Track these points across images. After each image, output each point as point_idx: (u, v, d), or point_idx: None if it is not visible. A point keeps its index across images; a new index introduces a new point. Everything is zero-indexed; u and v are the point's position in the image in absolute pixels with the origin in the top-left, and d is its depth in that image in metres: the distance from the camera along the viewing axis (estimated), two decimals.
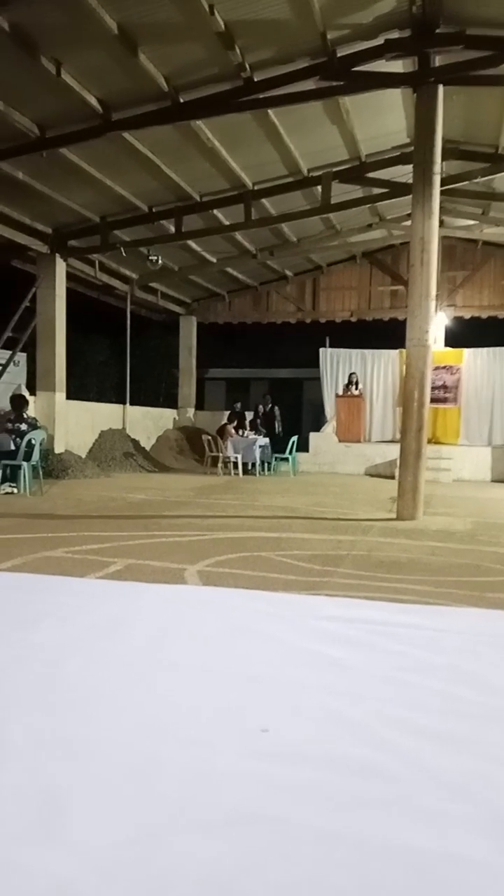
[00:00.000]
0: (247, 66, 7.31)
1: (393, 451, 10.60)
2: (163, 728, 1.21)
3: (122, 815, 0.97)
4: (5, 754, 1.10)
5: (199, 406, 17.36)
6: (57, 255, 11.29)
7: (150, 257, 11.94)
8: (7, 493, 8.51)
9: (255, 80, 7.52)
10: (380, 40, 7.04)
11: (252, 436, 13.32)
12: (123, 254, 11.46)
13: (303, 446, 13.96)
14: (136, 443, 14.00)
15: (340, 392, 14.65)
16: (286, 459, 13.09)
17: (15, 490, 8.58)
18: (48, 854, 0.83)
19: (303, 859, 1.08)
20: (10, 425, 9.03)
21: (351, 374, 14.62)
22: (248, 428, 13.80)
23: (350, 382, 14.56)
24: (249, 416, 14.72)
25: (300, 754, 1.51)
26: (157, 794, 1.00)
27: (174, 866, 0.94)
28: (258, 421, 14.38)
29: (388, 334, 14.15)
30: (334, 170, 10.06)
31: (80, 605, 1.87)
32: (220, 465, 12.77)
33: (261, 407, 14.84)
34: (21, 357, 11.77)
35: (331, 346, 15.18)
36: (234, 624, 2.27)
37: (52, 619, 1.77)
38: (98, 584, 2.18)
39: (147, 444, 14.74)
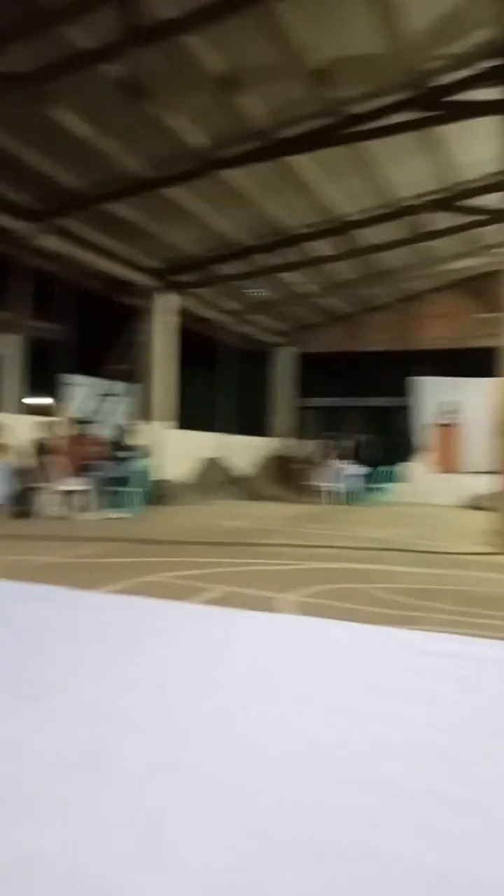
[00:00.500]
0: (341, 101, 7.44)
1: (490, 483, 10.26)
2: (263, 755, 1.24)
3: (224, 841, 1.01)
4: (111, 774, 1.17)
5: (295, 435, 17.44)
6: (164, 289, 11.75)
7: (250, 290, 12.21)
8: (114, 518, 8.84)
9: (350, 114, 7.64)
10: (475, 69, 7.01)
11: (346, 465, 13.26)
12: (225, 288, 11.79)
13: (396, 476, 13.74)
14: (234, 471, 14.22)
15: (435, 421, 14.35)
16: (380, 489, 12.94)
17: (122, 515, 8.91)
18: (151, 876, 0.87)
19: (416, 891, 1.09)
20: (119, 453, 9.40)
21: (446, 404, 14.31)
22: (341, 457, 13.73)
23: (445, 411, 14.23)
24: (344, 445, 14.65)
25: (400, 788, 1.51)
26: (258, 822, 1.04)
27: (280, 894, 0.96)
28: (352, 450, 14.29)
29: (485, 363, 13.72)
30: (429, 199, 10.02)
31: (180, 629, 1.95)
32: (314, 494, 12.76)
33: (355, 436, 14.75)
34: (130, 389, 12.27)
35: (425, 374, 14.93)
36: (331, 655, 2.28)
37: (155, 642, 1.85)
38: (198, 610, 2.25)
39: (245, 472, 14.93)
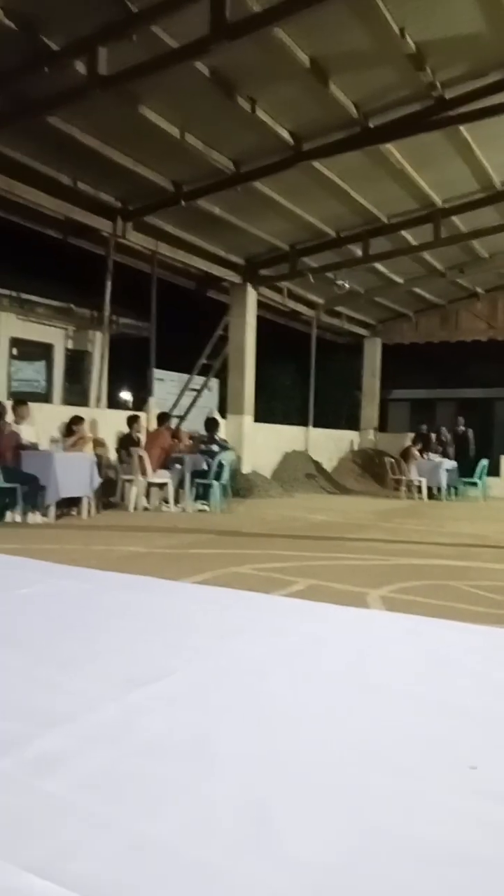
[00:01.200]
0: (437, 84, 7.20)
1: None
2: (369, 753, 1.20)
3: (333, 837, 0.97)
4: (218, 764, 1.15)
5: (382, 428, 17.15)
6: (248, 284, 11.77)
7: (337, 282, 12.07)
8: (199, 511, 8.94)
9: (447, 97, 7.38)
10: None
11: (438, 459, 12.91)
12: (311, 280, 11.69)
13: (493, 470, 13.27)
14: (318, 464, 14.12)
15: None
16: (475, 484, 12.53)
17: (206, 508, 9.00)
18: (261, 866, 0.85)
19: None
20: (203, 446, 9.52)
21: None
22: (433, 450, 13.38)
23: None
24: (436, 437, 14.27)
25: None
26: (367, 820, 0.99)
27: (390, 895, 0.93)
28: (445, 443, 13.90)
29: None
30: None
31: (274, 621, 1.92)
32: (403, 488, 12.50)
33: (447, 428, 14.34)
34: (213, 382, 12.39)
35: None
36: (430, 653, 2.19)
37: (251, 632, 1.83)
38: (291, 602, 2.22)
39: (329, 465, 14.80)
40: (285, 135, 7.91)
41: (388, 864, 0.96)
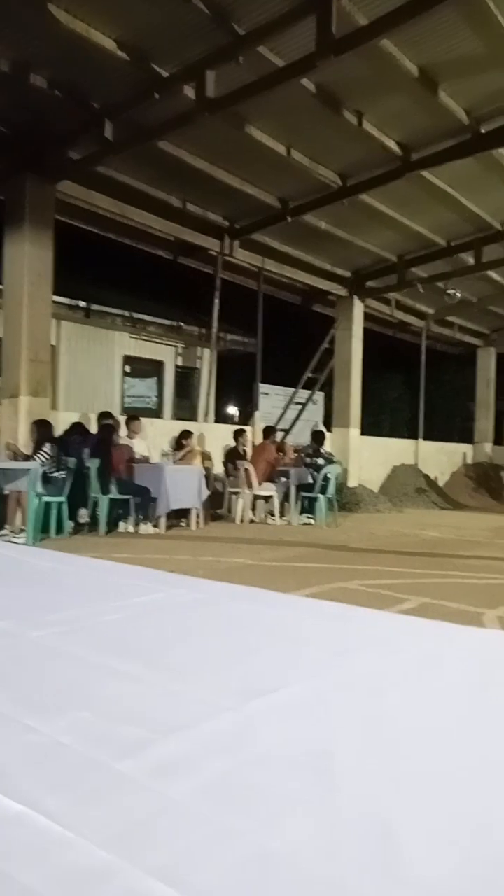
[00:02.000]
0: None
1: None
2: (494, 778, 1.14)
3: (459, 861, 0.92)
4: (339, 779, 1.13)
5: (498, 441, 16.51)
6: (355, 296, 11.71)
7: (448, 291, 11.79)
8: (305, 524, 8.91)
9: None
10: None
11: None
12: (420, 290, 11.48)
13: None
14: (428, 478, 13.77)
15: None
16: None
17: (312, 521, 8.96)
18: (387, 889, 0.82)
19: None
20: (308, 459, 9.50)
21: None
22: None
23: None
24: None
25: None
26: (493, 848, 0.94)
27: None
28: None
29: None
30: None
31: (390, 637, 1.87)
32: None
33: None
34: (319, 396, 12.37)
35: None
36: None
37: (367, 648, 1.79)
38: (406, 620, 2.16)
39: (440, 479, 14.40)
40: (393, 146, 7.83)
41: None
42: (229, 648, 1.89)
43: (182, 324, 12.65)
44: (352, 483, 11.45)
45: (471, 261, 10.87)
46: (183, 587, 2.82)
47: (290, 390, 12.13)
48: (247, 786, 1.16)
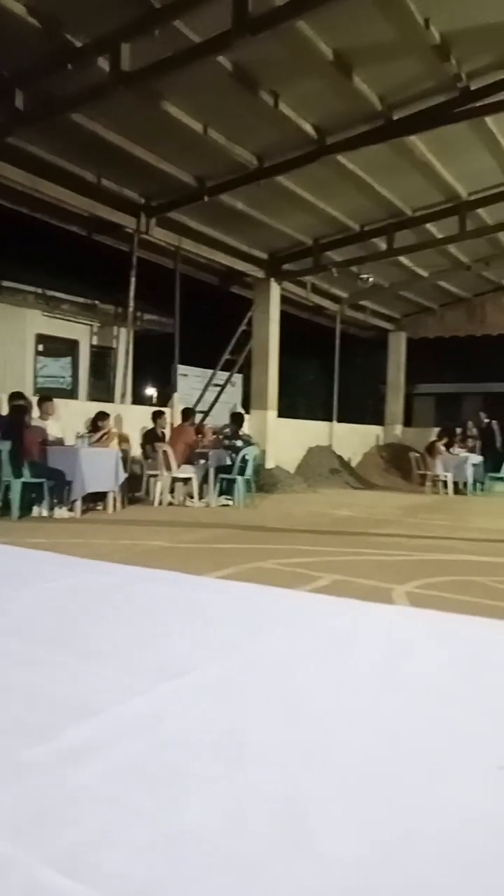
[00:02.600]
0: (463, 75, 7.12)
1: None
2: (399, 750, 1.19)
3: (366, 833, 0.97)
4: (248, 757, 1.16)
5: (407, 423, 17.03)
6: (271, 279, 11.75)
7: (361, 276, 12.00)
8: (223, 506, 8.96)
9: (472, 88, 7.29)
10: None
11: (464, 453, 12.79)
12: (335, 274, 11.64)
13: None
14: (342, 459, 14.07)
15: None
16: (501, 479, 12.40)
17: (230, 503, 9.02)
18: (296, 864, 0.85)
19: None
20: (227, 441, 9.54)
21: None
22: (459, 445, 13.26)
23: None
24: (462, 432, 14.13)
25: None
26: (399, 818, 0.99)
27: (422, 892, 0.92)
28: (471, 438, 13.77)
29: None
30: None
31: (300, 616, 1.92)
32: (428, 483, 12.41)
33: (474, 423, 14.21)
34: (237, 378, 12.40)
35: None
36: (460, 650, 2.17)
37: (278, 628, 1.84)
38: (317, 598, 2.22)
39: (353, 460, 14.75)
40: (308, 129, 7.88)
41: (419, 864, 0.95)
42: (142, 632, 1.90)
43: (97, 302, 12.37)
44: (269, 465, 11.58)
45: (383, 246, 11.10)
46: (96, 571, 2.80)
47: (209, 372, 12.11)
48: (157, 768, 1.18)
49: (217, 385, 11.89)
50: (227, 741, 1.20)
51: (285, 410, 13.16)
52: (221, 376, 11.98)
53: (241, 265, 11.38)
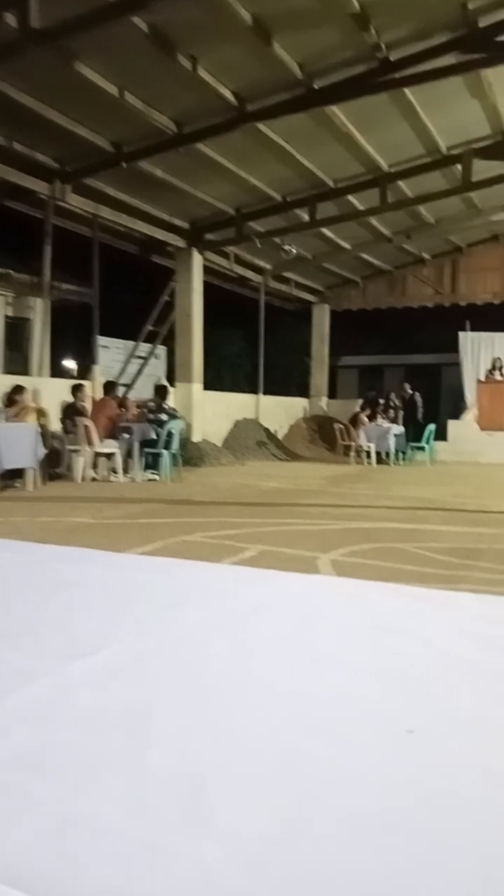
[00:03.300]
0: (382, 45, 7.12)
1: None
2: (308, 721, 1.20)
3: (270, 807, 0.97)
4: (153, 736, 1.13)
5: (332, 394, 17.23)
6: (193, 249, 11.57)
7: (284, 247, 11.96)
8: (149, 480, 8.87)
9: (392, 59, 7.30)
10: None
11: (386, 424, 13.06)
12: (258, 245, 11.56)
13: (440, 435, 13.50)
14: (268, 432, 14.15)
15: (483, 377, 14.02)
16: (422, 448, 12.74)
17: (156, 477, 8.93)
18: (194, 841, 0.84)
19: (457, 873, 1.03)
20: (151, 415, 9.40)
21: (495, 359, 13.95)
22: (382, 416, 13.53)
23: (494, 367, 13.89)
24: (385, 403, 14.42)
25: (452, 763, 1.44)
26: (303, 790, 0.99)
27: (323, 864, 0.92)
28: (394, 408, 14.07)
29: None
30: (476, 146, 9.61)
31: (220, 590, 1.91)
32: (352, 454, 12.63)
33: (397, 394, 14.51)
34: (161, 350, 12.22)
35: (472, 329, 14.55)
36: (375, 618, 2.21)
37: (195, 602, 1.82)
38: (237, 570, 2.21)
39: (279, 433, 14.85)
40: (228, 95, 7.73)
41: (321, 835, 0.96)
42: (53, 612, 1.84)
43: (11, 271, 11.91)
44: (195, 438, 11.51)
45: (306, 217, 11.09)
46: (11, 550, 2.71)
47: (131, 343, 11.87)
48: (61, 751, 1.15)
49: (140, 357, 11.69)
50: (134, 721, 1.18)
51: (211, 383, 13.11)
52: (144, 348, 11.77)
53: (161, 234, 11.15)
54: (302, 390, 17.17)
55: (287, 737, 1.14)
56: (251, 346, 16.34)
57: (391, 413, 13.93)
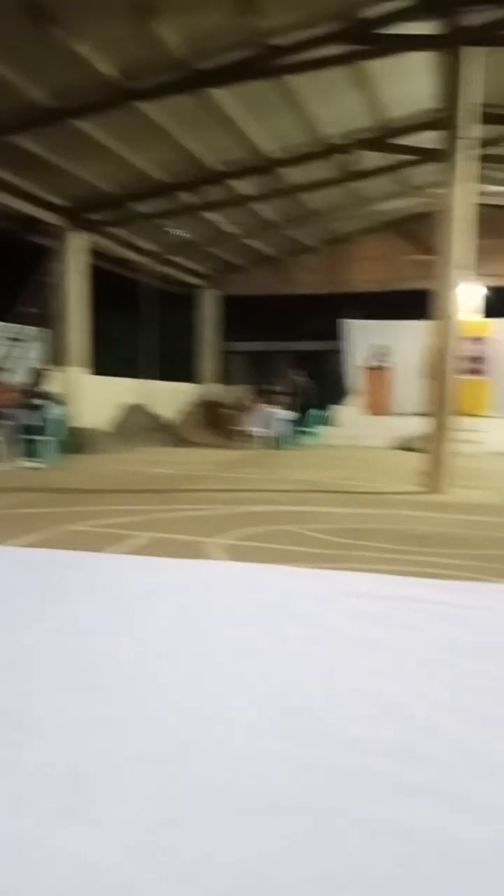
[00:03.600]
0: (267, 31, 7.11)
1: (420, 424, 10.47)
2: (195, 708, 1.18)
3: (155, 799, 0.95)
4: (33, 730, 1.08)
5: (221, 380, 17.27)
6: (75, 229, 11.20)
7: (170, 230, 11.81)
8: (31, 469, 8.55)
9: (276, 46, 7.31)
10: (406, 1, 6.80)
11: (275, 409, 13.25)
12: (143, 227, 11.34)
13: (327, 419, 13.84)
14: (158, 417, 14.01)
15: (366, 364, 14.48)
16: (311, 433, 13.01)
17: (40, 465, 8.63)
18: (76, 835, 0.81)
19: (343, 848, 1.04)
20: (30, 400, 9.06)
21: (377, 346, 14.43)
22: (270, 401, 13.71)
23: (376, 354, 14.36)
24: (273, 389, 14.60)
25: (339, 738, 1.47)
26: (191, 777, 0.98)
27: (209, 854, 0.91)
28: (282, 394, 14.28)
29: (416, 305, 13.85)
30: (359, 137, 9.83)
31: (106, 579, 1.85)
32: (242, 438, 12.73)
33: (284, 380, 14.73)
34: (42, 332, 11.76)
35: (356, 317, 14.97)
36: (264, 600, 2.23)
37: (80, 593, 1.75)
38: (123, 559, 2.16)
39: (169, 418, 14.74)
40: (109, 72, 7.49)
41: (205, 820, 0.95)
42: None
43: None
44: (83, 424, 11.20)
45: (191, 201, 10.99)
46: None
47: (10, 326, 11.35)
48: None
49: (19, 340, 11.20)
50: (15, 717, 1.12)
51: (99, 367, 12.78)
52: (24, 331, 11.29)
53: (39, 213, 10.71)
54: (192, 376, 17.09)
55: (172, 725, 1.13)
56: (140, 329, 16.07)
57: (279, 398, 14.13)
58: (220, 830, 1.03)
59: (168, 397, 15.08)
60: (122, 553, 3.64)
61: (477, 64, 6.97)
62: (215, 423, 14.82)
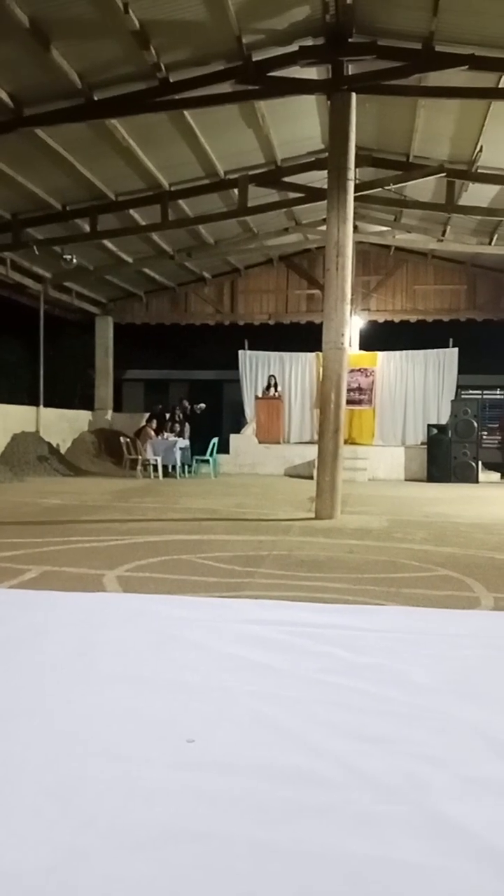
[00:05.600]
0: (162, 66, 7.25)
1: (311, 452, 10.77)
2: (86, 742, 1.17)
3: (44, 838, 0.93)
4: None
5: (117, 408, 17.08)
6: None
7: (65, 256, 11.68)
8: None
9: (171, 80, 7.46)
10: (294, 47, 7.13)
11: (172, 438, 13.23)
12: (36, 252, 11.15)
13: (223, 448, 13.96)
14: (50, 446, 13.65)
15: (260, 394, 14.76)
16: (207, 461, 13.07)
17: None
18: None
19: (237, 874, 1.06)
20: None
21: (270, 377, 14.76)
22: (166, 430, 13.68)
23: (269, 385, 14.69)
24: (169, 417, 14.58)
25: (230, 764, 1.49)
26: (82, 813, 0.97)
27: (102, 891, 0.90)
28: (177, 423, 14.29)
29: (305, 337, 14.41)
30: (251, 173, 10.13)
31: None
32: (139, 467, 12.61)
33: (180, 409, 14.76)
34: None
35: (249, 348, 15.27)
36: (156, 631, 2.22)
37: None
38: (12, 594, 2.09)
39: (63, 447, 14.40)
40: (3, 96, 7.39)
41: (103, 857, 0.95)
42: None
43: None
44: None
45: (87, 228, 10.92)
46: None
47: None
48: None
49: None
50: None
51: None
52: None
53: None
54: (86, 403, 16.80)
55: (64, 761, 1.11)
56: (31, 356, 15.68)
57: (176, 427, 14.12)
58: (114, 867, 1.03)
59: (61, 425, 14.74)
60: (11, 588, 3.53)
61: (361, 110, 7.38)
62: (111, 451, 14.60)
